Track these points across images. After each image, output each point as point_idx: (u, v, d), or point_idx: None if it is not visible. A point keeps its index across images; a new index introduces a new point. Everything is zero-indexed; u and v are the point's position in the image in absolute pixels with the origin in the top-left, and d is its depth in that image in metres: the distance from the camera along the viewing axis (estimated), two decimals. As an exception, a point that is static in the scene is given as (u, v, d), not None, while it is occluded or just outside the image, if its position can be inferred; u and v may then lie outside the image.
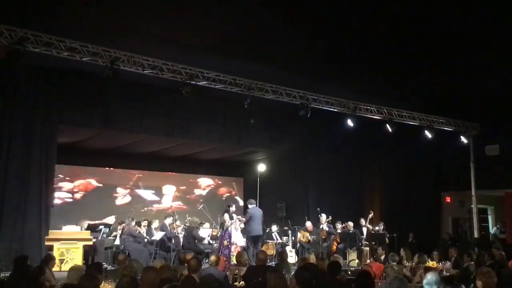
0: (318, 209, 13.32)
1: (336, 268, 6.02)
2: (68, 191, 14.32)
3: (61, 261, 9.69)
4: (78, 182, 14.55)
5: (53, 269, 7.50)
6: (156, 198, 15.99)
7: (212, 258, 7.23)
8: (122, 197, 15.36)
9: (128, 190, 15.38)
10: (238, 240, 11.41)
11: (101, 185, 14.94)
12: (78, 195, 14.51)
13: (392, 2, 8.25)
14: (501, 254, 8.99)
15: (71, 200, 14.31)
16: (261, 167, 14.89)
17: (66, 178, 14.27)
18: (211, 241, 12.66)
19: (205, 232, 12.71)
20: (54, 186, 13.10)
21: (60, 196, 13.97)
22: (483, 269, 5.11)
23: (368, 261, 11.52)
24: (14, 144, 9.90)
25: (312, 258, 8.10)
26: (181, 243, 11.77)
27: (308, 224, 13.27)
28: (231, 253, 10.39)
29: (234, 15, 8.64)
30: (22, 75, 9.84)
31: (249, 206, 12.15)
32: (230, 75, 10.33)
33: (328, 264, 6.25)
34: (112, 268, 9.71)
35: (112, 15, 8.46)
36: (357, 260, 11.96)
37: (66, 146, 12.64)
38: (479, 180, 14.22)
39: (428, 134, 13.14)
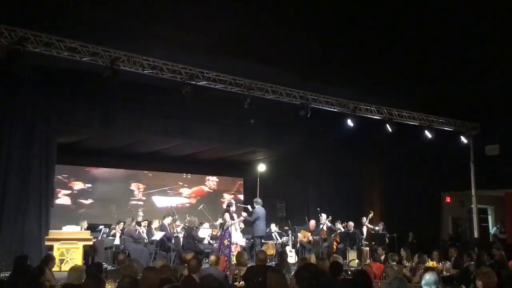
0: (318, 209, 13.31)
1: (337, 268, 6.02)
2: (186, 197, 16.79)
3: (61, 261, 9.69)
4: (194, 189, 17.08)
5: (53, 269, 7.50)
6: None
7: (212, 258, 7.24)
8: (227, 201, 16.70)
9: (232, 196, 17.17)
10: (238, 240, 11.40)
11: (211, 190, 17.41)
12: (193, 200, 16.81)
13: (392, 2, 8.25)
14: (501, 254, 9.00)
15: (188, 204, 16.59)
16: (261, 167, 14.88)
17: (184, 185, 16.84)
18: (211, 241, 12.66)
19: (205, 232, 12.71)
20: (175, 192, 16.19)
21: (181, 202, 16.55)
22: (483, 269, 5.10)
23: (368, 261, 11.52)
24: (14, 144, 9.90)
25: (312, 258, 8.10)
26: (181, 243, 11.77)
27: (312, 222, 13.25)
28: (231, 253, 10.38)
29: (234, 15, 8.64)
30: (22, 75, 9.84)
31: (256, 206, 12.12)
32: (230, 75, 10.34)
33: (330, 265, 6.23)
34: (112, 268, 9.69)
35: (112, 15, 8.46)
36: (357, 260, 11.95)
37: (66, 146, 12.64)
38: (479, 180, 14.23)
39: (428, 134, 13.14)
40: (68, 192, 14.53)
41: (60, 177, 13.88)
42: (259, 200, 12.36)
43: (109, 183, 15.31)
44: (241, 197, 17.56)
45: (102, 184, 15.11)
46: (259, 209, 12.02)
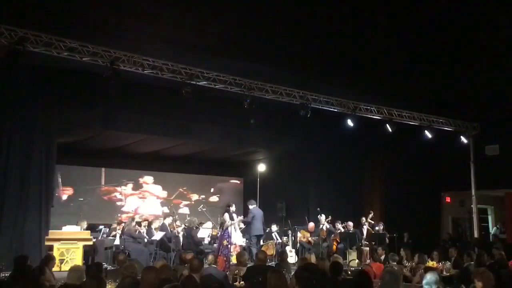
0: (318, 209, 13.32)
1: (338, 268, 6.02)
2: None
3: (61, 261, 9.68)
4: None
5: (53, 269, 7.50)
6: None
7: (210, 257, 7.25)
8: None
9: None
10: (238, 240, 11.40)
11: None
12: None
13: (392, 2, 8.25)
14: (501, 254, 9.00)
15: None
16: (261, 167, 14.88)
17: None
18: (209, 240, 12.66)
19: (205, 232, 12.71)
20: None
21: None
22: (479, 270, 5.10)
23: (368, 261, 11.52)
24: (14, 144, 9.89)
25: (312, 258, 8.10)
26: (181, 243, 11.77)
27: (311, 224, 13.26)
28: (231, 253, 10.38)
29: (234, 15, 8.65)
30: (22, 75, 9.83)
31: (250, 206, 12.15)
32: (230, 75, 10.33)
33: (331, 265, 6.24)
34: (112, 268, 9.70)
35: (112, 15, 8.46)
36: (357, 260, 11.96)
37: (66, 146, 12.64)
38: (479, 180, 14.22)
39: (428, 134, 13.14)
40: (187, 202, 16.57)
41: (181, 189, 16.44)
42: (252, 200, 12.46)
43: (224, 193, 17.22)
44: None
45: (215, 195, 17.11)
46: (254, 209, 12.07)
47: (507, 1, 8.23)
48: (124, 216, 14.71)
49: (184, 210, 16.23)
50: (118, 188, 15.43)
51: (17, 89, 9.97)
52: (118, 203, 15.41)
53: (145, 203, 15.83)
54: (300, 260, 8.96)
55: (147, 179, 15.97)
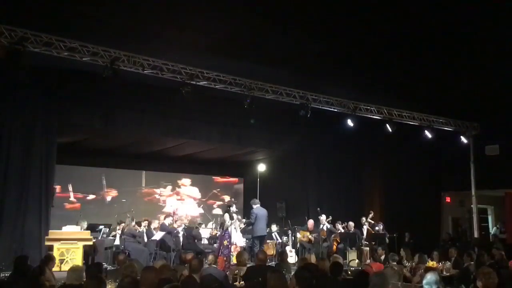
0: (318, 209, 13.31)
1: (338, 269, 6.02)
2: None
3: (61, 261, 9.67)
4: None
5: (53, 269, 7.50)
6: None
7: (210, 257, 7.26)
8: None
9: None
10: (238, 240, 11.40)
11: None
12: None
13: (392, 2, 8.25)
14: (501, 254, 9.01)
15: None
16: (261, 167, 14.88)
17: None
18: (207, 240, 12.66)
19: (205, 232, 12.70)
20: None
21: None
22: (484, 269, 5.10)
23: (368, 261, 11.53)
24: (14, 145, 9.90)
25: (312, 258, 8.11)
26: (181, 243, 11.77)
27: (310, 222, 13.24)
28: (231, 253, 10.38)
29: (234, 15, 8.64)
30: (22, 75, 9.82)
31: (253, 206, 12.10)
32: (230, 75, 10.34)
33: (331, 265, 6.24)
34: (112, 268, 9.70)
35: (112, 15, 8.45)
36: (357, 260, 11.96)
37: (66, 146, 12.64)
38: (479, 180, 14.23)
39: (428, 134, 13.14)
40: (220, 203, 17.17)
41: (215, 191, 17.19)
42: (256, 200, 12.33)
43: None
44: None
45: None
46: (257, 209, 11.97)
47: (507, 1, 8.23)
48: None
49: (217, 211, 16.82)
50: (157, 190, 16.03)
51: (17, 89, 9.97)
52: (159, 204, 16.02)
53: (183, 204, 16.40)
54: (300, 260, 8.96)
55: (185, 181, 16.71)
